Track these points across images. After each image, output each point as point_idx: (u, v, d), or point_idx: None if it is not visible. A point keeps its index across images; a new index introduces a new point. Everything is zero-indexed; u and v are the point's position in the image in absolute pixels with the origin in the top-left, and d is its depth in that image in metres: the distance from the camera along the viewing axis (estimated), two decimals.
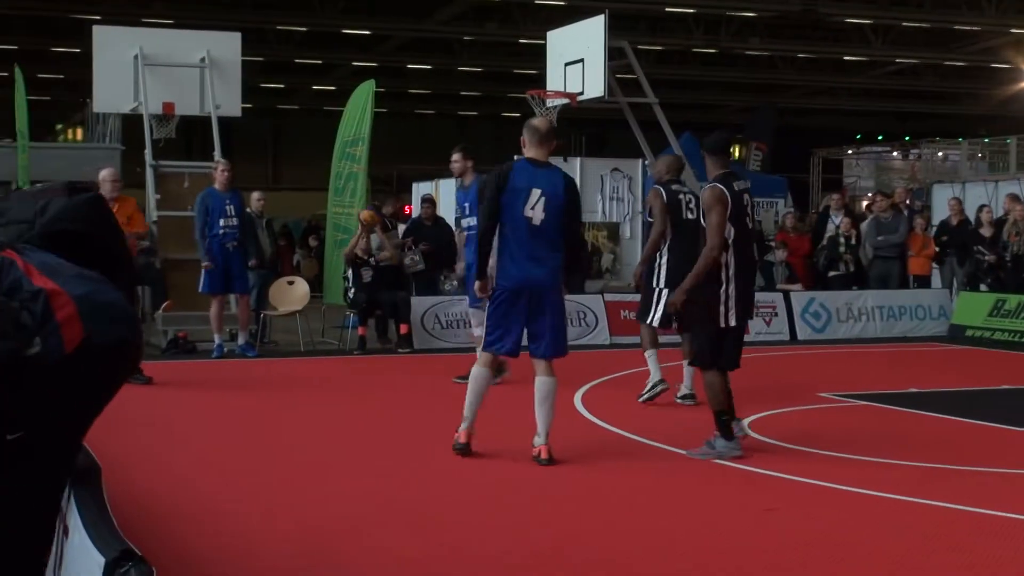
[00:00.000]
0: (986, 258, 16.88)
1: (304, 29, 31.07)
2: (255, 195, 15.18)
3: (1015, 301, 15.90)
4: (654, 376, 9.97)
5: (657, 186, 9.90)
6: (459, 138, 17.36)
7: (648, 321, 9.82)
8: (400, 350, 14.07)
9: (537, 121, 7.86)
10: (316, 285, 17.67)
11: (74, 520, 3.51)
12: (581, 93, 16.26)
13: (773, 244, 18.51)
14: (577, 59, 16.26)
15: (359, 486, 6.94)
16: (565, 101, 16.55)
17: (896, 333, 16.41)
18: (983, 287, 17.15)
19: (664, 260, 9.57)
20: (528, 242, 7.46)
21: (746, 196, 7.79)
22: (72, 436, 2.96)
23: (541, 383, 7.52)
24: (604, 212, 18.47)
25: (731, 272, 7.63)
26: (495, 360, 7.73)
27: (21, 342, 2.67)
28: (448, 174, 11.49)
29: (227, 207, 13.07)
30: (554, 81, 16.84)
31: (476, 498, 6.76)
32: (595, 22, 16.10)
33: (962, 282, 17.50)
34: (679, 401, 9.93)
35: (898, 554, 5.49)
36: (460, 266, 11.53)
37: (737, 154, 30.97)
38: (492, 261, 7.70)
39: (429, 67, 35.61)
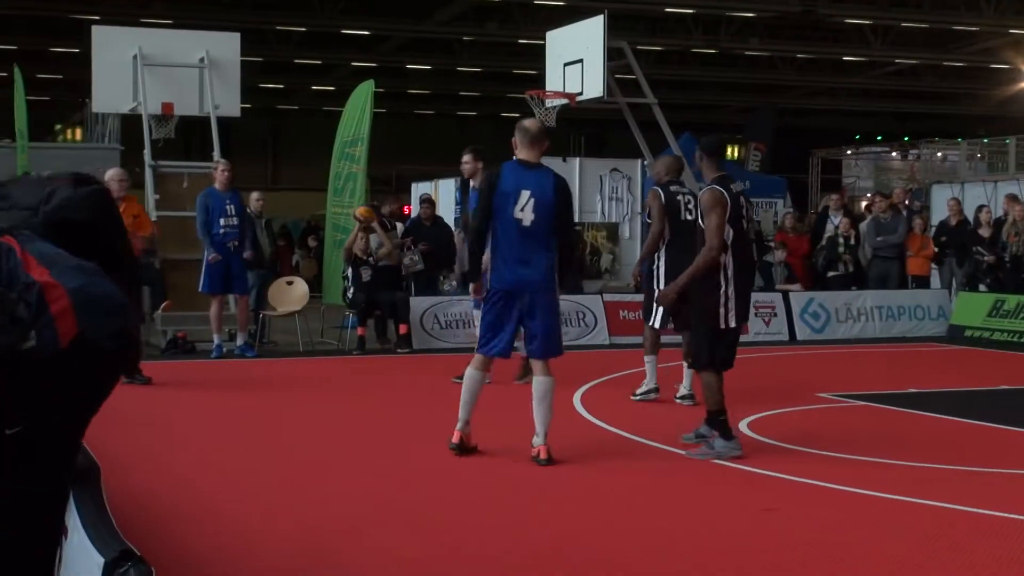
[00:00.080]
0: (985, 258, 16.88)
1: (303, 29, 31.03)
2: (254, 195, 15.18)
3: (1014, 301, 15.90)
4: (649, 382, 10.15)
5: (656, 187, 9.94)
6: (458, 138, 17.39)
7: (650, 323, 9.90)
8: (399, 350, 14.07)
9: (528, 122, 7.83)
10: (315, 285, 17.67)
11: (73, 520, 3.51)
12: (580, 93, 16.26)
13: (772, 244, 18.52)
14: (576, 59, 16.25)
15: (359, 486, 6.94)
16: (564, 101, 16.54)
17: (895, 333, 16.41)
18: (982, 287, 17.16)
19: (663, 261, 9.58)
20: (519, 244, 7.46)
21: (742, 198, 7.86)
22: (71, 433, 2.94)
23: (538, 383, 7.53)
24: (603, 212, 18.48)
25: (730, 273, 7.69)
26: (488, 361, 7.73)
27: (17, 336, 2.65)
28: (447, 174, 11.54)
29: (227, 207, 13.10)
30: (553, 81, 16.83)
31: (476, 498, 6.76)
32: (594, 22, 16.10)
33: (961, 282, 17.49)
34: (678, 401, 9.96)
35: (898, 554, 5.49)
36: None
37: (736, 154, 30.97)
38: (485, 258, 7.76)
39: (429, 67, 35.59)
